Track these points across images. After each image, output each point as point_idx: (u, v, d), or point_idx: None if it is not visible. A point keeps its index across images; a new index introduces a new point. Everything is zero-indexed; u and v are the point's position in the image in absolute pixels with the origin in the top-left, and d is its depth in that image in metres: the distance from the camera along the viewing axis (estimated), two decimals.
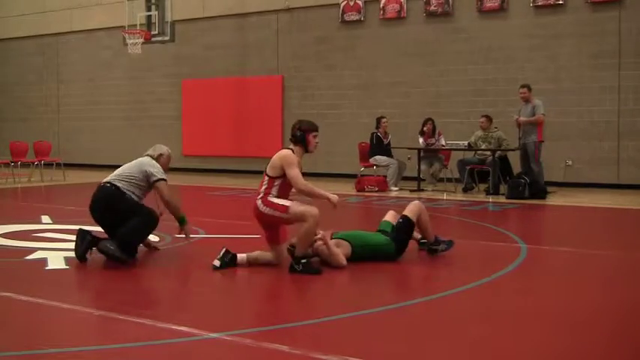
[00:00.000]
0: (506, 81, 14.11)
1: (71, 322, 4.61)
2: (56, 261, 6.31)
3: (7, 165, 15.07)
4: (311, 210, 5.77)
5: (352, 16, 15.94)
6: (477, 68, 14.55)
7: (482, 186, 12.91)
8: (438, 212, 10.22)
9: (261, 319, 4.79)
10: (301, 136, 6.04)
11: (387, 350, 3.92)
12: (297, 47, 16.74)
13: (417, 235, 6.64)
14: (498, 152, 12.62)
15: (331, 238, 6.15)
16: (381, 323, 4.52)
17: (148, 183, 6.42)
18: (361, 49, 15.89)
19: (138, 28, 16.50)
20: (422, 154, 13.37)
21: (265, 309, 5.12)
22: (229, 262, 6.00)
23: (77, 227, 6.53)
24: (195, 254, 6.83)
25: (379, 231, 6.51)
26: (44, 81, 21.17)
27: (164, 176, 6.47)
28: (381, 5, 15.58)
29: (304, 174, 6.03)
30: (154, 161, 6.55)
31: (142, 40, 16.28)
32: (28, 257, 6.53)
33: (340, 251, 6.09)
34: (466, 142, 13.08)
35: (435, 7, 14.95)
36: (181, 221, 6.55)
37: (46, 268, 6.11)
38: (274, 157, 6.00)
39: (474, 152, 13.14)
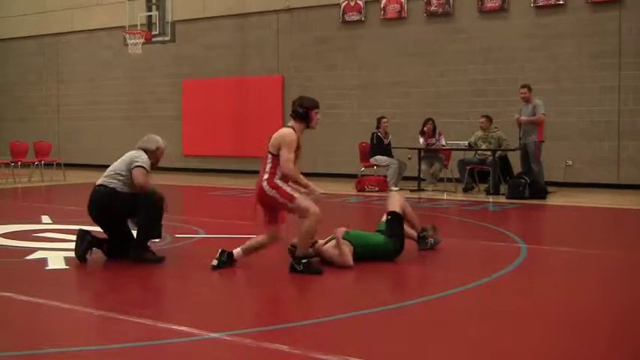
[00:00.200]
0: (506, 81, 14.10)
1: (71, 322, 4.61)
2: (56, 261, 6.32)
3: (7, 165, 15.06)
4: (314, 208, 5.78)
5: (353, 17, 15.93)
6: (477, 68, 14.54)
7: (483, 186, 12.90)
8: (439, 212, 10.22)
9: (261, 319, 4.79)
10: (304, 112, 6.02)
11: (386, 350, 3.92)
12: (297, 47, 16.74)
13: (409, 231, 6.65)
14: (498, 152, 12.61)
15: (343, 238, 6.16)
16: (381, 323, 4.52)
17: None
18: (362, 49, 15.89)
19: (138, 28, 16.50)
20: (422, 154, 13.37)
21: (265, 309, 5.12)
22: (227, 260, 6.01)
23: (77, 227, 6.55)
24: (194, 254, 6.84)
25: (378, 231, 6.52)
26: (44, 81, 21.15)
27: (145, 165, 6.32)
28: (382, 5, 15.57)
29: (304, 174, 6.04)
30: (140, 152, 6.43)
31: (142, 40, 16.27)
32: (28, 257, 6.54)
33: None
34: (466, 142, 13.07)
35: (435, 7, 14.95)
36: (151, 193, 6.30)
37: (46, 268, 6.11)
38: (274, 135, 5.98)
39: (474, 152, 13.13)
